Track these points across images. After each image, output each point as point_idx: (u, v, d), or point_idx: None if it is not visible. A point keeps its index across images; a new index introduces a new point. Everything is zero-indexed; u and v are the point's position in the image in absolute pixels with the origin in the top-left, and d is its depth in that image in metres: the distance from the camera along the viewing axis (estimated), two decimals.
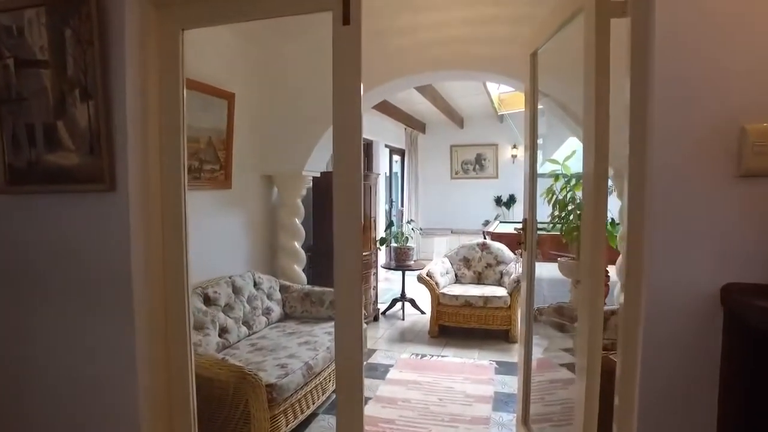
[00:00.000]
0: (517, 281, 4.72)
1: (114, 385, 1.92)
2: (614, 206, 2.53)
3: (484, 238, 6.51)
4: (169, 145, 1.92)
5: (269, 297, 3.91)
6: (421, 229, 5.91)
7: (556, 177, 4.09)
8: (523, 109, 2.68)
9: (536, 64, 2.44)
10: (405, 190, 9.39)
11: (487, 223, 10.11)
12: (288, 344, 3.29)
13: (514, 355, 4.42)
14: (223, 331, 3.26)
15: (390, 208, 9.10)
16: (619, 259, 3.57)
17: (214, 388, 2.51)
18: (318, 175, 4.70)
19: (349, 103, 1.77)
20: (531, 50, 2.40)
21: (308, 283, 5.01)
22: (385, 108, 7.69)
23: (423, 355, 4.37)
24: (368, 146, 7.85)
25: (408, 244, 5.73)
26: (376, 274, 5.47)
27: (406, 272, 5.73)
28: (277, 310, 3.90)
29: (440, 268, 5.25)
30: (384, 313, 5.86)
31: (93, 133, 1.82)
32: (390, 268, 5.71)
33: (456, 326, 4.88)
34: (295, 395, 2.82)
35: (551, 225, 4.16)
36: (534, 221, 2.55)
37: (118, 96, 1.80)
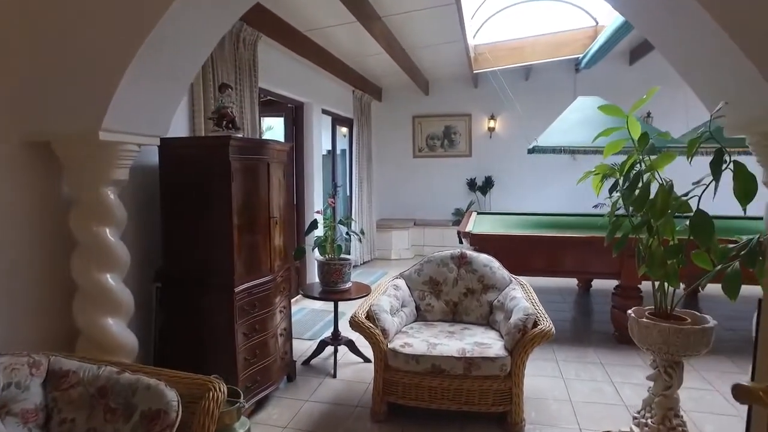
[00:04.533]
0: (523, 327, 2.70)
1: None
2: None
3: (460, 242, 4.48)
4: None
5: None
6: (362, 232, 3.79)
7: (613, 145, 2.05)
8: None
9: None
10: (354, 171, 7.27)
11: (458, 212, 8.14)
12: None
13: None
14: None
15: (334, 195, 6.96)
16: None
17: None
18: (157, 143, 2.52)
19: None
20: None
21: (155, 344, 2.88)
22: (321, 58, 5.50)
23: None
24: (296, 110, 5.65)
25: (343, 257, 3.64)
26: (286, 309, 3.35)
27: (340, 302, 3.65)
28: None
29: (390, 299, 3.17)
30: (308, 362, 3.78)
31: None
32: (312, 297, 3.60)
33: (417, 406, 2.84)
34: None
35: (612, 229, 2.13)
36: None
37: None
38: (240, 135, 2.96)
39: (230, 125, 2.92)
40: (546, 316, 2.81)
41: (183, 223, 2.74)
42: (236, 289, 2.70)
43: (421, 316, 3.36)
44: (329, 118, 6.77)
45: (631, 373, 3.54)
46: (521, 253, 4.12)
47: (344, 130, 7.66)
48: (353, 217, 7.20)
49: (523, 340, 2.68)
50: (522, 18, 6.84)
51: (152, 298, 2.83)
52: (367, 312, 2.95)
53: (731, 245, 1.58)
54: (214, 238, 2.70)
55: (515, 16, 6.79)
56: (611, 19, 5.58)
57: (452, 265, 3.42)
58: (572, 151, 4.51)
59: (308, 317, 4.85)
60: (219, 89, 2.95)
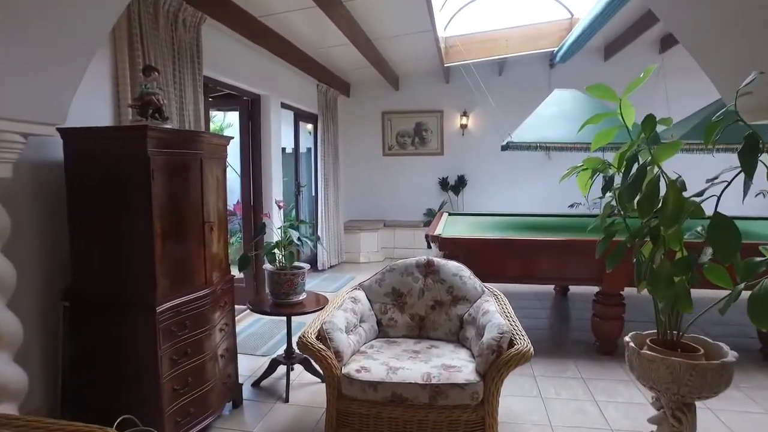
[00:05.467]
0: (497, 348, 2.34)
1: None
2: None
3: (428, 246, 4.12)
4: None
5: None
6: (319, 239, 3.37)
7: (604, 135, 1.70)
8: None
9: None
10: (319, 170, 6.84)
11: (430, 213, 7.80)
12: None
13: None
14: None
15: (297, 195, 6.54)
16: None
17: None
18: (51, 133, 2.07)
19: None
20: None
21: (63, 376, 2.43)
22: (280, 47, 5.08)
23: None
24: (252, 103, 5.20)
25: (296, 265, 3.22)
26: (229, 326, 2.93)
27: (293, 317, 3.24)
28: None
29: (346, 315, 2.76)
30: (258, 383, 3.36)
31: None
32: (260, 311, 3.18)
33: None
34: None
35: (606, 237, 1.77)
36: None
37: None
38: (169, 126, 2.52)
39: (156, 115, 2.48)
40: (523, 333, 2.46)
41: (94, 230, 2.29)
42: (159, 308, 2.26)
43: (383, 332, 2.98)
44: (291, 113, 6.34)
45: (615, 389, 3.23)
46: (495, 259, 3.78)
47: (309, 126, 7.23)
48: (319, 218, 6.78)
49: (497, 363, 2.32)
50: (495, 9, 6.54)
51: (59, 321, 2.38)
52: (319, 330, 2.55)
53: (758, 259, 1.25)
54: (132, 247, 2.26)
55: (487, 8, 6.49)
56: (586, 11, 5.32)
57: (418, 274, 3.05)
58: (546, 148, 4.19)
59: (264, 329, 4.41)
60: (143, 72, 2.50)
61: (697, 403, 2.93)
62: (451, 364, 2.47)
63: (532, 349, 2.34)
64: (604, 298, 3.76)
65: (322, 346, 2.43)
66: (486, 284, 3.06)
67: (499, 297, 2.93)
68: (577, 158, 6.99)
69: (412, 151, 8.09)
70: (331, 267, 7.12)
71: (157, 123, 2.44)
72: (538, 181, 7.69)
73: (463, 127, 7.88)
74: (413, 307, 3.01)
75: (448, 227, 4.48)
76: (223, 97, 5.08)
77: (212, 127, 7.84)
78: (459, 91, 7.70)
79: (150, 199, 2.20)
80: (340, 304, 2.84)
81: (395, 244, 7.88)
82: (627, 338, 1.64)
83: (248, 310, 3.56)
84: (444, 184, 7.93)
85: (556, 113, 4.37)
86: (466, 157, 7.90)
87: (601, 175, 1.69)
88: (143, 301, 2.25)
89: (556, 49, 6.35)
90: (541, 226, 4.78)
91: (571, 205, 7.62)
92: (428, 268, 3.06)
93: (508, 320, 2.57)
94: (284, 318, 3.31)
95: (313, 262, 6.79)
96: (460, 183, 7.88)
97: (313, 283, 5.96)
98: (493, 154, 7.54)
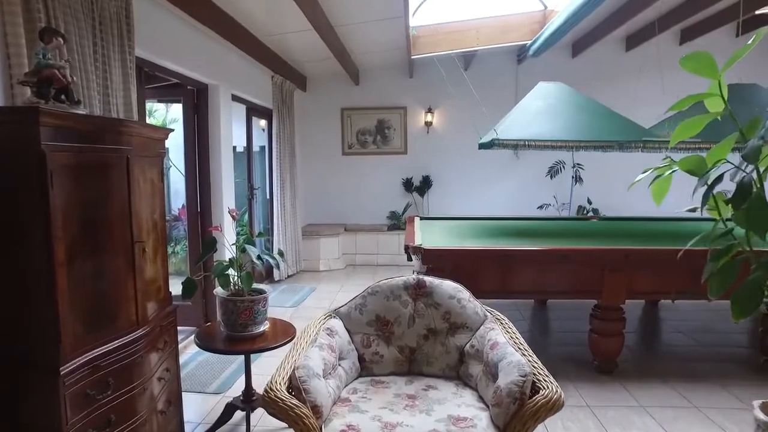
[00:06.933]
0: (520, 396, 1.85)
1: None
2: None
3: (409, 259, 3.59)
4: None
5: None
6: (281, 253, 2.77)
7: (690, 125, 1.23)
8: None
9: None
10: (274, 170, 6.18)
11: (394, 216, 7.31)
12: None
13: None
14: None
15: (250, 199, 5.86)
16: None
17: None
18: None
19: None
20: None
21: None
22: (229, 30, 4.41)
23: None
24: (198, 93, 4.49)
25: (256, 288, 2.61)
26: (171, 370, 2.29)
27: (252, 354, 2.62)
28: None
29: (323, 354, 2.18)
30: None
31: None
32: (210, 349, 2.54)
33: None
34: None
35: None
36: None
37: None
38: (82, 111, 1.87)
39: (63, 96, 1.82)
40: (547, 374, 1.98)
41: None
42: (65, 368, 1.61)
43: (366, 368, 2.43)
44: (243, 107, 5.65)
45: (628, 419, 2.83)
46: (487, 272, 3.31)
47: (262, 122, 6.55)
48: (275, 223, 6.13)
49: (520, 414, 1.83)
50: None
51: None
52: (290, 377, 1.97)
53: None
54: (22, 283, 1.60)
55: None
56: (563, 4, 4.99)
57: (406, 298, 2.51)
58: (538, 146, 3.77)
59: (216, 358, 3.73)
60: (40, 37, 1.83)
61: None
62: (460, 415, 1.95)
63: (562, 395, 1.87)
64: (603, 313, 3.38)
65: (296, 402, 1.85)
66: (486, 306, 2.58)
67: (504, 323, 2.44)
68: (553, 156, 6.64)
69: (374, 150, 7.56)
70: (289, 277, 6.47)
71: (64, 107, 1.78)
72: (505, 182, 7.38)
73: (428, 124, 7.43)
74: (402, 338, 2.47)
75: (425, 235, 3.98)
76: (165, 87, 4.36)
77: (152, 122, 7.01)
78: (424, 86, 7.28)
79: (48, 212, 1.55)
80: (314, 339, 2.26)
81: (357, 249, 7.33)
82: (761, 415, 1.18)
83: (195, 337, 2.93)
84: (408, 185, 7.45)
85: (543, 108, 3.97)
86: (431, 157, 7.46)
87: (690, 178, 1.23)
88: (42, 358, 1.60)
89: (528, 42, 6.00)
90: (524, 232, 4.39)
91: (540, 207, 7.39)
92: (419, 290, 2.53)
93: (525, 355, 2.09)
94: None
95: (268, 272, 6.13)
96: (425, 184, 7.42)
97: (270, 297, 5.30)
98: (460, 154, 7.18)
